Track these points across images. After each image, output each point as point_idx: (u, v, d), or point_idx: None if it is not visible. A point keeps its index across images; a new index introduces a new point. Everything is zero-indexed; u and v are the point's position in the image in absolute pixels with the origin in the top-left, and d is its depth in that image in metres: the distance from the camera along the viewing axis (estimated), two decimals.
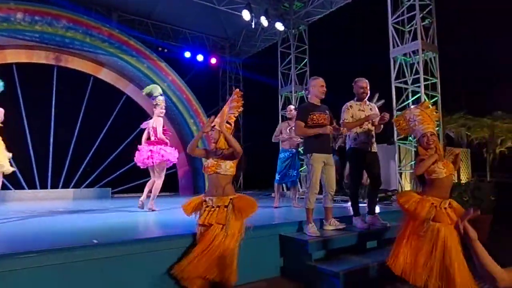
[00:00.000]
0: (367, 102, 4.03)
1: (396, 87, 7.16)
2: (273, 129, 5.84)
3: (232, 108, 3.15)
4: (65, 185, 8.38)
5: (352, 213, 4.06)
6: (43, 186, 8.12)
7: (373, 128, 3.97)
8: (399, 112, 6.44)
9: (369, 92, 3.99)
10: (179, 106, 9.22)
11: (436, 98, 6.93)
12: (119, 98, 9.08)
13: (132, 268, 2.70)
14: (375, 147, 3.98)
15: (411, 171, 6.63)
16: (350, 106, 3.93)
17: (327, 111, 3.70)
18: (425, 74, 6.85)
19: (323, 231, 3.65)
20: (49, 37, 7.82)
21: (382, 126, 3.99)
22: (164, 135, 5.37)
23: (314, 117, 3.55)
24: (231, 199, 2.87)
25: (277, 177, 5.63)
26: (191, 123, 9.34)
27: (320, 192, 3.66)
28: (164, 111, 5.45)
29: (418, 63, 6.84)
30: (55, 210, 5.32)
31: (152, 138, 5.27)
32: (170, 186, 9.56)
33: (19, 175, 7.65)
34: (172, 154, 5.24)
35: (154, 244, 2.87)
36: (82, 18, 8.04)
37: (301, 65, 9.83)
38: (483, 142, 10.31)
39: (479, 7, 9.29)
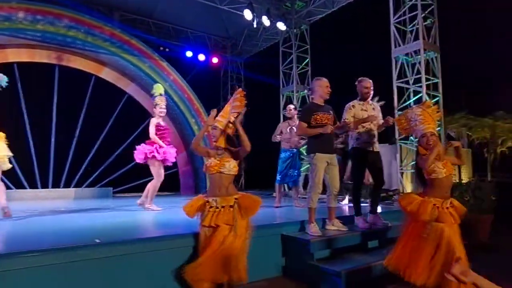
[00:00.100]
0: (370, 102, 4.02)
1: (398, 87, 7.16)
2: (275, 129, 5.83)
3: (234, 107, 3.13)
4: (67, 185, 8.39)
5: (353, 212, 4.06)
6: (45, 186, 8.13)
7: (375, 127, 3.96)
8: (401, 112, 6.43)
9: (372, 92, 3.99)
10: (180, 106, 9.22)
11: (437, 98, 6.92)
12: (121, 98, 9.09)
13: (134, 267, 2.71)
14: (377, 147, 3.98)
15: (413, 171, 6.62)
16: (353, 105, 3.93)
17: (330, 111, 3.70)
18: (427, 74, 6.84)
19: (325, 230, 3.66)
20: (51, 36, 7.82)
21: (384, 126, 4.00)
22: (164, 133, 5.36)
23: (318, 117, 3.55)
24: (236, 198, 2.83)
25: (278, 177, 5.63)
26: (193, 122, 9.34)
27: (323, 192, 3.66)
28: (163, 110, 5.43)
29: (419, 63, 6.84)
30: (57, 210, 5.33)
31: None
32: (171, 185, 9.57)
33: (20, 174, 7.67)
34: (168, 154, 5.20)
35: (155, 243, 2.88)
36: (84, 18, 8.04)
37: (303, 64, 9.83)
38: (484, 142, 10.30)
39: (481, 7, 9.27)
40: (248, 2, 8.50)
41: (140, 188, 6.20)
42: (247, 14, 8.53)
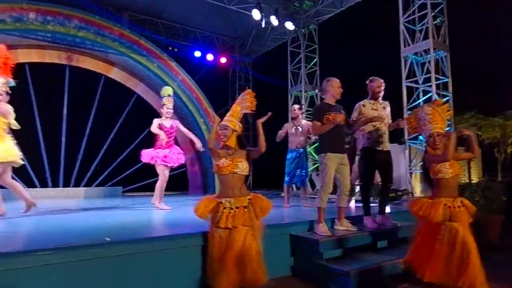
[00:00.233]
0: (381, 101, 4.01)
1: (407, 87, 7.10)
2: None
3: (244, 107, 3.13)
4: (77, 184, 8.50)
5: (361, 212, 4.05)
6: (55, 185, 8.24)
7: (386, 127, 3.95)
8: (410, 112, 6.39)
9: (383, 91, 3.97)
10: (189, 106, 9.27)
11: (447, 98, 6.85)
12: (130, 97, 9.17)
13: (143, 266, 2.72)
14: (388, 146, 3.96)
15: (422, 171, 6.57)
16: (363, 105, 3.92)
17: (342, 111, 3.69)
18: (436, 74, 6.78)
19: (334, 230, 3.65)
20: (61, 37, 7.92)
21: (394, 127, 3.99)
22: (170, 135, 5.43)
23: (330, 116, 3.55)
24: (249, 199, 2.82)
25: (286, 178, 5.62)
26: (201, 122, 9.38)
27: (333, 192, 3.66)
28: (170, 111, 5.50)
29: (429, 62, 6.78)
30: (67, 208, 5.39)
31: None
32: (180, 184, 9.64)
33: (31, 173, 7.78)
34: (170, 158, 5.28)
35: (165, 242, 2.89)
36: (93, 18, 8.13)
37: (311, 64, 9.81)
38: (494, 142, 10.18)
39: (490, 6, 9.16)
40: (256, 2, 8.51)
41: (149, 188, 6.26)
42: (256, 14, 8.54)
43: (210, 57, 10.84)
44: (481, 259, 2.69)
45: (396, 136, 7.00)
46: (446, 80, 6.93)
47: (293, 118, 5.65)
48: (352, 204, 5.71)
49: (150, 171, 5.70)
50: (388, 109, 4.07)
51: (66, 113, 8.44)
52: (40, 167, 8.01)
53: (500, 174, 9.60)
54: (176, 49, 10.26)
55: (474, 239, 2.74)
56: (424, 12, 6.88)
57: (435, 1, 6.93)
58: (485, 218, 4.79)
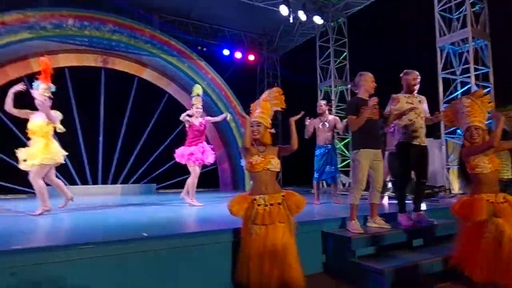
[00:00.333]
0: (416, 95, 3.87)
1: (443, 79, 6.80)
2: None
3: (273, 105, 3.12)
4: (114, 181, 8.89)
5: (395, 209, 3.94)
6: (94, 182, 8.67)
7: (422, 120, 3.81)
8: (446, 105, 6.12)
9: (419, 84, 3.84)
10: (218, 104, 9.40)
11: (488, 89, 6.49)
12: (162, 97, 9.44)
13: (178, 261, 2.79)
14: (425, 141, 3.83)
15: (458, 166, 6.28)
16: (398, 98, 3.80)
17: (376, 106, 3.60)
18: (476, 64, 6.44)
19: (367, 228, 3.58)
20: (97, 41, 8.29)
21: (432, 121, 3.85)
22: (200, 134, 5.59)
23: (363, 111, 3.47)
24: (283, 195, 2.80)
25: (315, 175, 5.58)
26: (230, 119, 9.48)
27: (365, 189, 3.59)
28: (199, 110, 5.65)
29: (467, 51, 6.44)
30: (106, 205, 5.66)
31: None
32: (211, 181, 9.82)
33: (72, 171, 8.22)
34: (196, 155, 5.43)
35: (198, 238, 2.96)
36: (126, 21, 8.44)
37: (341, 58, 9.63)
38: None
39: None
40: None
41: (182, 184, 6.44)
42: (283, 10, 8.48)
43: (238, 55, 10.91)
44: None
45: (432, 130, 6.74)
46: (486, 70, 6.56)
47: (319, 114, 5.59)
48: (385, 201, 5.56)
49: (182, 168, 5.86)
50: (425, 104, 3.92)
51: (103, 114, 8.84)
52: (80, 165, 8.44)
53: None
54: (205, 48, 10.42)
55: None
56: None
57: None
58: None
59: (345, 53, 9.61)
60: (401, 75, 3.92)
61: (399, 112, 3.66)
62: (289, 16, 8.63)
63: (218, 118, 5.89)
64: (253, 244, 2.65)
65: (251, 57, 11.30)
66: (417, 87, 3.84)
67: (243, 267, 2.66)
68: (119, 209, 5.17)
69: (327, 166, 5.47)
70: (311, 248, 3.43)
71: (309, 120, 5.47)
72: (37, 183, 4.28)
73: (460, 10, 6.61)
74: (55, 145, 4.44)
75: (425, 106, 3.91)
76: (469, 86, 6.43)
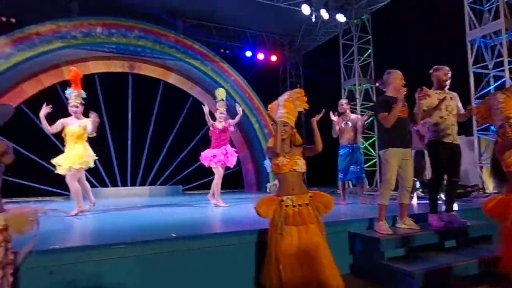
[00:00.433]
0: (447, 91, 3.74)
1: (475, 73, 6.53)
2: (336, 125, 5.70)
3: (297, 105, 3.10)
4: (142, 183, 9.14)
5: (425, 210, 3.83)
6: (124, 184, 8.95)
7: (454, 118, 3.68)
8: (478, 101, 5.89)
9: (450, 79, 3.72)
10: (241, 105, 9.45)
11: None
12: (187, 100, 9.62)
13: (204, 261, 2.84)
14: (457, 139, 3.69)
15: (491, 164, 6.00)
16: (429, 93, 3.68)
17: (405, 103, 3.52)
18: (510, 57, 6.13)
19: (396, 228, 3.49)
20: (124, 47, 8.57)
21: (466, 117, 3.71)
22: (223, 137, 5.73)
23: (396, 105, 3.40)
24: (310, 196, 2.78)
25: (340, 175, 5.51)
26: (254, 121, 9.54)
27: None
28: (223, 115, 5.76)
29: (501, 44, 6.16)
30: (135, 206, 5.84)
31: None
32: (236, 182, 9.90)
33: (103, 174, 8.52)
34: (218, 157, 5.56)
35: (225, 239, 2.99)
36: (151, 27, 8.68)
37: (365, 56, 9.45)
38: None
39: None
40: None
41: (207, 186, 6.54)
42: (305, 9, 8.43)
43: (260, 56, 10.93)
44: None
45: (464, 128, 6.48)
46: None
47: (341, 113, 5.52)
48: (414, 201, 5.41)
49: (208, 170, 5.96)
50: (457, 100, 3.78)
51: (131, 118, 9.11)
52: (110, 168, 8.74)
53: None
54: (227, 51, 10.52)
55: None
56: None
57: None
58: None
59: (370, 51, 9.43)
60: (430, 71, 3.80)
61: (430, 109, 3.55)
62: (311, 15, 8.57)
63: (237, 118, 5.94)
64: (285, 246, 2.60)
65: (274, 58, 11.29)
66: (448, 82, 3.72)
67: (272, 269, 2.61)
68: (147, 210, 5.32)
69: (352, 166, 5.39)
70: (338, 249, 3.38)
71: (335, 117, 5.42)
72: (74, 185, 4.53)
73: (492, 1, 6.33)
74: (89, 149, 4.67)
75: (457, 103, 3.77)
76: (503, 80, 6.14)
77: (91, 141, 4.88)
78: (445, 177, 3.78)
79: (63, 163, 4.45)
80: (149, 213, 4.98)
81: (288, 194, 2.75)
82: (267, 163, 7.54)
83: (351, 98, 9.44)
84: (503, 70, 6.11)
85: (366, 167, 8.43)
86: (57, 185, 7.83)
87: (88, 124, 4.61)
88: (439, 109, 3.58)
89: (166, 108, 9.39)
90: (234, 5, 9.26)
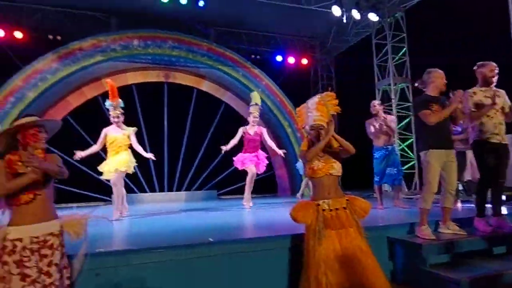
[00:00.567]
0: (493, 88, 3.54)
1: None
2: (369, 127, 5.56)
3: (330, 109, 3.05)
4: (178, 188, 9.39)
5: (470, 214, 3.62)
6: (161, 189, 9.25)
7: (502, 116, 3.47)
8: None
9: (497, 76, 3.52)
10: (273, 110, 9.50)
11: None
12: (219, 106, 9.80)
13: (241, 265, 2.86)
14: (505, 139, 3.48)
15: None
16: (474, 93, 3.50)
17: (446, 102, 3.38)
18: None
19: (439, 234, 3.34)
20: (159, 57, 8.93)
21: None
22: (254, 142, 5.90)
23: (434, 108, 3.26)
24: (347, 200, 2.72)
25: (376, 178, 5.35)
26: (286, 125, 9.54)
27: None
28: (256, 119, 5.83)
29: None
30: (172, 210, 6.01)
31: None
32: (269, 187, 9.91)
33: (142, 180, 8.86)
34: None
35: (260, 243, 3.01)
36: (184, 37, 8.98)
37: (400, 55, 9.15)
38: None
39: None
40: None
41: (241, 191, 6.61)
42: (336, 11, 8.32)
43: (291, 60, 10.91)
44: None
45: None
46: None
47: (374, 115, 5.36)
48: (459, 204, 5.14)
49: (242, 175, 6.04)
50: (505, 98, 3.56)
51: (167, 125, 9.42)
52: (148, 174, 9.06)
53: None
54: (258, 56, 10.60)
55: None
56: None
57: None
58: None
59: (404, 49, 9.12)
60: (475, 67, 3.61)
61: (483, 110, 3.36)
62: (342, 16, 8.44)
63: (272, 146, 6.05)
64: (324, 250, 2.54)
65: (304, 61, 11.22)
66: (495, 79, 3.52)
67: (311, 275, 2.54)
68: (184, 215, 5.46)
69: (388, 168, 5.24)
70: (377, 255, 3.25)
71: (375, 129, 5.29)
72: (119, 188, 4.83)
73: None
74: (131, 155, 4.97)
75: (506, 100, 3.55)
76: None
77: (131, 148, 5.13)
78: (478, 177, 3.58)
79: (109, 168, 4.74)
80: (186, 218, 5.11)
81: (324, 198, 2.69)
82: (299, 165, 7.49)
83: (386, 99, 9.18)
84: None
85: (404, 169, 8.13)
86: (98, 191, 8.28)
87: (131, 133, 4.96)
88: (493, 108, 3.38)
89: (200, 114, 9.61)
90: (263, 11, 9.32)
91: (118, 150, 4.83)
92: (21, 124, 2.05)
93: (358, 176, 7.79)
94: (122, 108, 5.14)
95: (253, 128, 5.89)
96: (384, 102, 8.84)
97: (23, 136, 2.05)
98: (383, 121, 5.25)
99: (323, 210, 2.65)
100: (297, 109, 3.11)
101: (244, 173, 5.96)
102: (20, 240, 1.91)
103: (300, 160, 5.77)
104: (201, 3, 7.78)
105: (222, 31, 10.32)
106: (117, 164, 4.74)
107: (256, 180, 6.25)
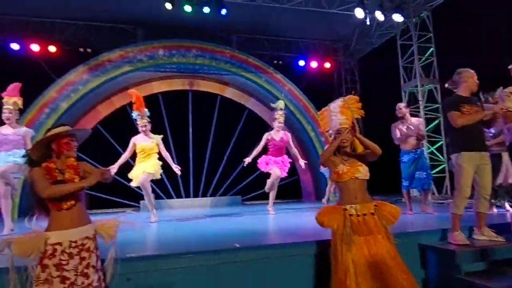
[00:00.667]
0: None
1: None
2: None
3: (354, 112, 3.01)
4: (204, 194, 9.51)
5: (508, 220, 3.45)
6: (187, 195, 9.40)
7: None
8: None
9: None
10: (296, 114, 9.46)
11: None
12: (243, 112, 9.88)
13: (266, 271, 2.86)
14: None
15: None
16: (510, 92, 3.36)
17: (478, 103, 3.26)
18: None
19: (474, 240, 3.20)
20: (183, 66, 9.14)
21: None
22: (279, 148, 5.92)
23: (465, 109, 3.15)
24: (375, 205, 2.65)
25: (404, 183, 5.21)
26: (309, 129, 9.47)
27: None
28: (281, 124, 5.85)
29: None
30: (198, 216, 6.08)
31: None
32: (293, 192, 9.84)
33: (168, 186, 9.04)
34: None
35: (287, 249, 3.00)
36: (207, 46, 9.14)
37: (426, 55, 8.90)
38: None
39: None
40: (358, 0, 8.18)
41: (265, 196, 6.61)
42: (358, 13, 8.21)
43: (314, 64, 10.84)
44: None
45: None
46: None
47: (400, 118, 5.22)
48: (494, 210, 4.91)
49: (265, 181, 6.04)
50: None
51: (192, 132, 9.59)
52: (175, 180, 9.23)
53: None
54: (280, 61, 10.62)
55: None
56: None
57: None
58: None
59: (431, 49, 8.87)
60: (510, 66, 3.47)
61: None
62: (365, 19, 8.31)
63: (297, 154, 6.14)
64: (352, 257, 2.49)
65: (327, 65, 11.12)
66: None
67: (339, 282, 2.50)
68: (209, 220, 5.51)
69: (417, 172, 5.09)
70: (408, 263, 3.14)
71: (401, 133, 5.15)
72: (148, 190, 5.02)
73: None
74: (159, 162, 5.20)
75: None
76: None
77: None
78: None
79: (137, 173, 4.93)
80: (212, 223, 5.16)
81: (351, 203, 2.63)
82: (322, 168, 7.41)
83: (413, 101, 8.94)
84: None
85: (434, 173, 7.87)
86: (126, 197, 8.52)
87: (159, 141, 5.19)
88: None
89: (223, 121, 9.72)
90: (285, 16, 9.36)
91: (147, 157, 5.01)
92: (57, 133, 2.14)
93: (384, 180, 7.60)
94: (148, 117, 5.31)
95: (278, 134, 5.90)
96: (411, 105, 8.62)
97: (58, 145, 2.14)
98: (411, 124, 5.12)
99: (350, 215, 2.59)
100: (319, 112, 3.07)
101: (268, 178, 5.95)
102: (60, 244, 1.99)
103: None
104: (223, 12, 7.89)
105: (244, 37, 10.44)
106: (144, 168, 4.96)
107: (280, 186, 6.23)
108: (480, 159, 3.16)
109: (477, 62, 4.34)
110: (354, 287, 2.41)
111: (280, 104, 6.06)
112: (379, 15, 8.34)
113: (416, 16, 8.96)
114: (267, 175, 5.95)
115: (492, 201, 4.85)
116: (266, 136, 5.91)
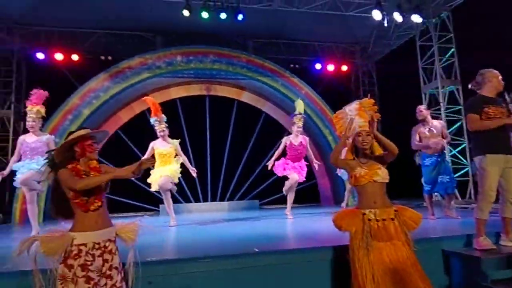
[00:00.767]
0: None
1: None
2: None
3: (370, 115, 2.96)
4: (221, 198, 9.56)
5: None
6: (205, 199, 9.47)
7: None
8: None
9: None
10: (313, 118, 9.40)
11: None
12: (260, 116, 9.90)
13: (284, 276, 2.85)
14: None
15: None
16: None
17: (503, 104, 3.16)
18: None
19: (501, 247, 3.08)
20: (201, 72, 9.26)
21: None
22: (297, 152, 5.89)
23: (490, 110, 3.07)
24: (395, 210, 2.57)
25: (426, 187, 5.08)
26: (327, 133, 9.39)
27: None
28: (300, 129, 5.82)
29: None
30: (216, 220, 6.12)
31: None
32: (312, 196, 9.76)
33: (187, 190, 9.14)
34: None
35: (306, 254, 2.99)
36: (224, 51, 9.23)
37: (447, 56, 8.69)
38: None
39: None
40: (376, 2, 8.08)
41: (283, 200, 6.59)
42: (376, 15, 8.10)
43: (331, 67, 10.76)
44: None
45: None
46: None
47: (421, 120, 5.10)
48: None
49: (283, 185, 6.02)
50: None
51: (209, 136, 9.68)
52: (193, 184, 9.33)
53: None
54: (297, 65, 10.59)
55: None
56: None
57: None
58: None
59: (452, 49, 8.65)
60: None
61: None
62: (383, 20, 8.19)
63: (312, 157, 6.12)
64: (372, 262, 2.44)
65: (344, 68, 11.01)
66: None
67: (360, 285, 2.46)
68: (227, 224, 5.54)
69: (440, 177, 4.95)
70: (431, 269, 3.08)
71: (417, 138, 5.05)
72: (167, 193, 5.06)
73: None
74: (177, 166, 5.33)
75: None
76: None
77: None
78: None
79: (156, 177, 5.03)
80: (230, 227, 5.18)
81: (370, 207, 2.55)
82: (339, 171, 7.31)
83: (433, 103, 8.73)
84: None
85: (457, 177, 7.64)
86: (145, 201, 8.66)
87: (177, 145, 5.31)
88: None
89: (241, 125, 9.77)
90: (301, 20, 9.35)
91: (166, 162, 5.11)
92: (81, 135, 2.19)
93: (404, 184, 7.44)
94: (166, 122, 5.41)
95: (297, 138, 5.87)
96: (431, 107, 8.43)
97: (81, 147, 2.18)
98: (432, 126, 5.00)
99: (369, 220, 2.52)
100: (334, 115, 3.01)
101: (287, 180, 5.92)
102: (85, 245, 2.04)
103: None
104: (240, 17, 7.96)
105: (260, 42, 10.48)
106: (163, 171, 5.07)
107: (298, 190, 6.19)
108: (506, 162, 3.05)
109: (499, 62, 4.22)
110: None
111: (299, 107, 6.03)
112: (397, 17, 8.22)
113: (436, 16, 8.77)
114: (285, 178, 5.93)
115: None
116: (285, 140, 5.90)
